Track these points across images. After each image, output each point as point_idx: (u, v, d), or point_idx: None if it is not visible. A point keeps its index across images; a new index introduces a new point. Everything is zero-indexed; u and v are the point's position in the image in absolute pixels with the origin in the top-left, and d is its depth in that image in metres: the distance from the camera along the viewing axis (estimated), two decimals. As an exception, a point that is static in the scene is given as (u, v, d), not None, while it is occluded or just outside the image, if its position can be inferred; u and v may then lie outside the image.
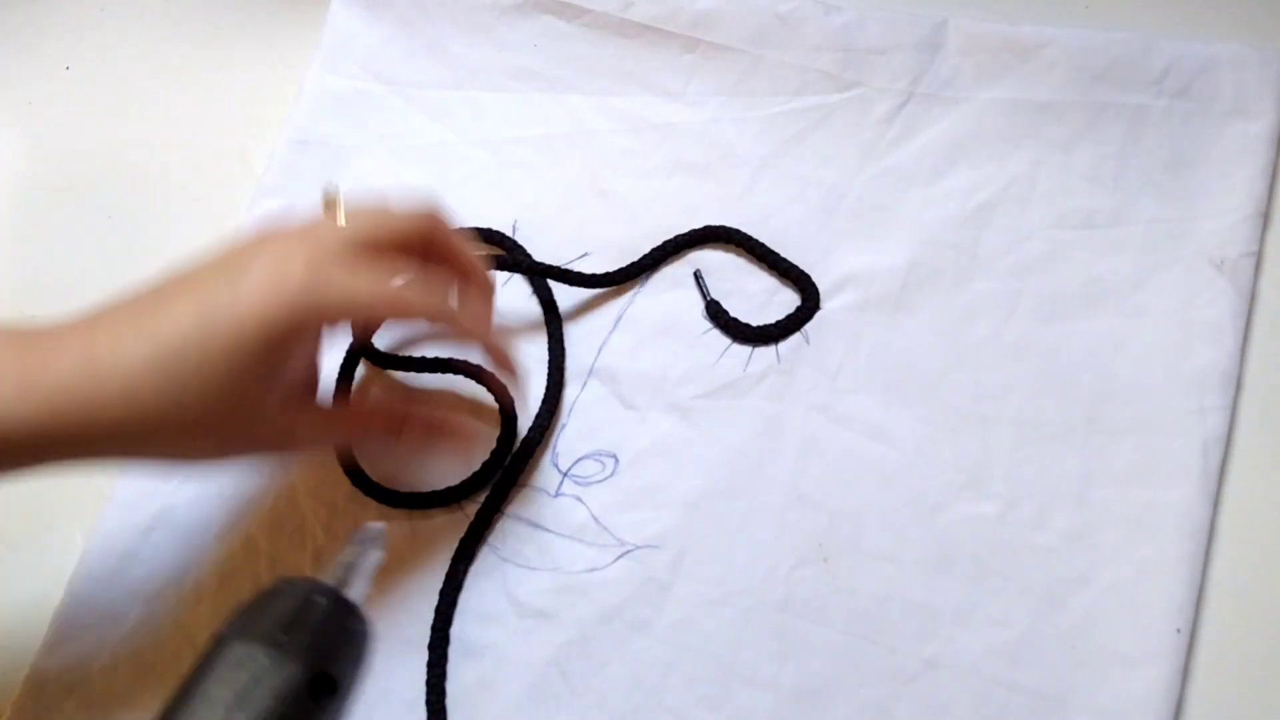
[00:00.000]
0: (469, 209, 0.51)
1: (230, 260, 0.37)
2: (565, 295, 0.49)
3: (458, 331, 0.43)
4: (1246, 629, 0.42)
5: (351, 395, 0.47)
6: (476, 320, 0.43)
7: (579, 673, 0.43)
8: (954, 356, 0.46)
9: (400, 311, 0.39)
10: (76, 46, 0.58)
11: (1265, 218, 0.47)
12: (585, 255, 0.50)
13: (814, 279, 0.48)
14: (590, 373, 0.48)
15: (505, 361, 0.44)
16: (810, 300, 0.47)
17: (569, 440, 0.47)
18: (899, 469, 0.45)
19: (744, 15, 0.52)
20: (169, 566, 0.47)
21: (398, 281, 0.38)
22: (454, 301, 0.42)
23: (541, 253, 0.50)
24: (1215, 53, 0.48)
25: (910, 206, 0.49)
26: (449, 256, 0.41)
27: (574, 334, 0.48)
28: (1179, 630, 0.41)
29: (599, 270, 0.49)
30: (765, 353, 0.47)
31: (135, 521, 0.47)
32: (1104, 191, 0.48)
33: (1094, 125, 0.48)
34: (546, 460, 0.47)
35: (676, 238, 0.49)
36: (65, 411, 0.34)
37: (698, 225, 0.49)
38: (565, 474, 0.46)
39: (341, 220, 0.39)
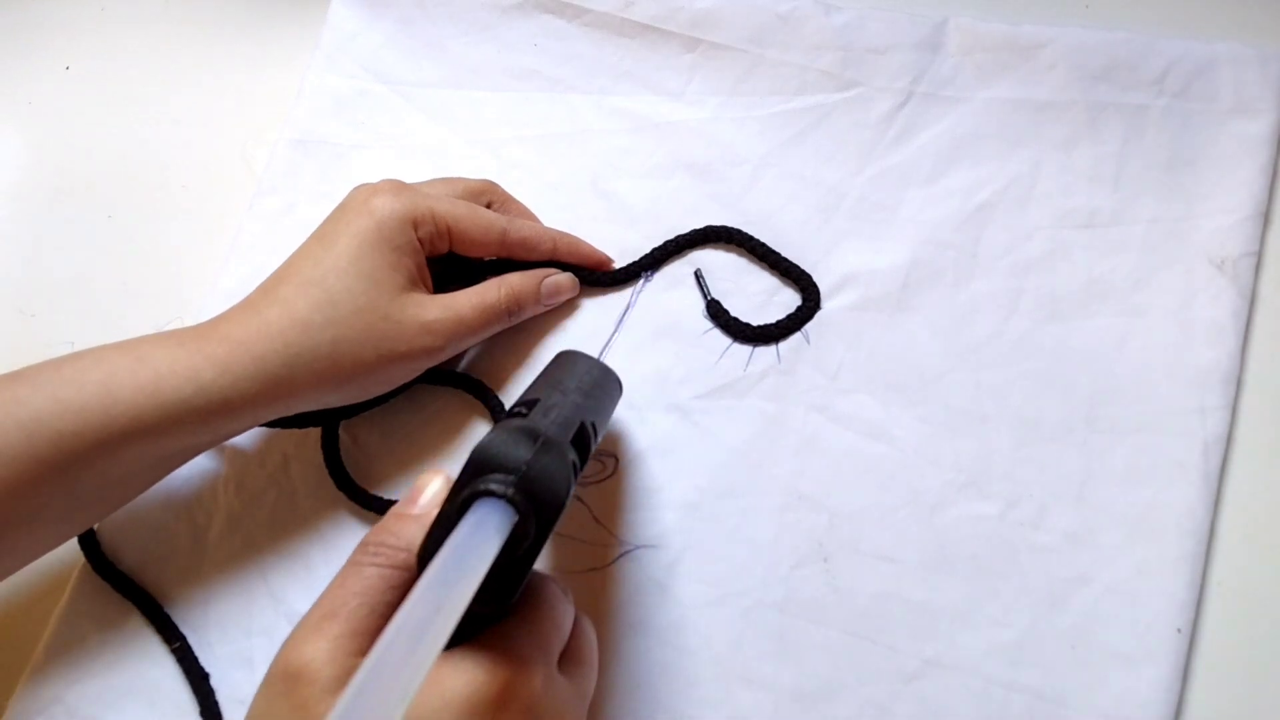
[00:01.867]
0: (469, 209, 0.51)
1: (336, 213, 0.43)
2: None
3: (531, 236, 0.47)
4: (1246, 629, 0.42)
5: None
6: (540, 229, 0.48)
7: (579, 673, 0.43)
8: (954, 356, 0.46)
9: (479, 219, 0.44)
10: (76, 46, 0.58)
11: (1265, 217, 0.47)
12: (585, 255, 0.50)
13: (814, 279, 0.48)
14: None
15: (580, 248, 0.48)
16: (811, 300, 0.47)
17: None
18: (899, 469, 0.45)
19: (744, 15, 0.52)
20: (170, 565, 0.47)
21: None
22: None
23: (541, 252, 0.50)
24: (1215, 53, 0.48)
25: (910, 206, 0.49)
26: (530, 247, 0.47)
27: (575, 334, 0.48)
28: (1179, 630, 0.41)
29: (599, 272, 0.49)
30: (765, 352, 0.47)
31: (137, 520, 0.47)
32: (1104, 191, 0.48)
33: (1094, 125, 0.48)
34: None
35: (677, 237, 0.49)
36: (241, 344, 0.40)
37: (698, 225, 0.49)
38: (565, 474, 0.46)
39: None
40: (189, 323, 0.51)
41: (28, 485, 0.38)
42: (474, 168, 0.52)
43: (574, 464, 0.34)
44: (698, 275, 0.49)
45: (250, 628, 0.46)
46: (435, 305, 0.43)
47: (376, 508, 0.46)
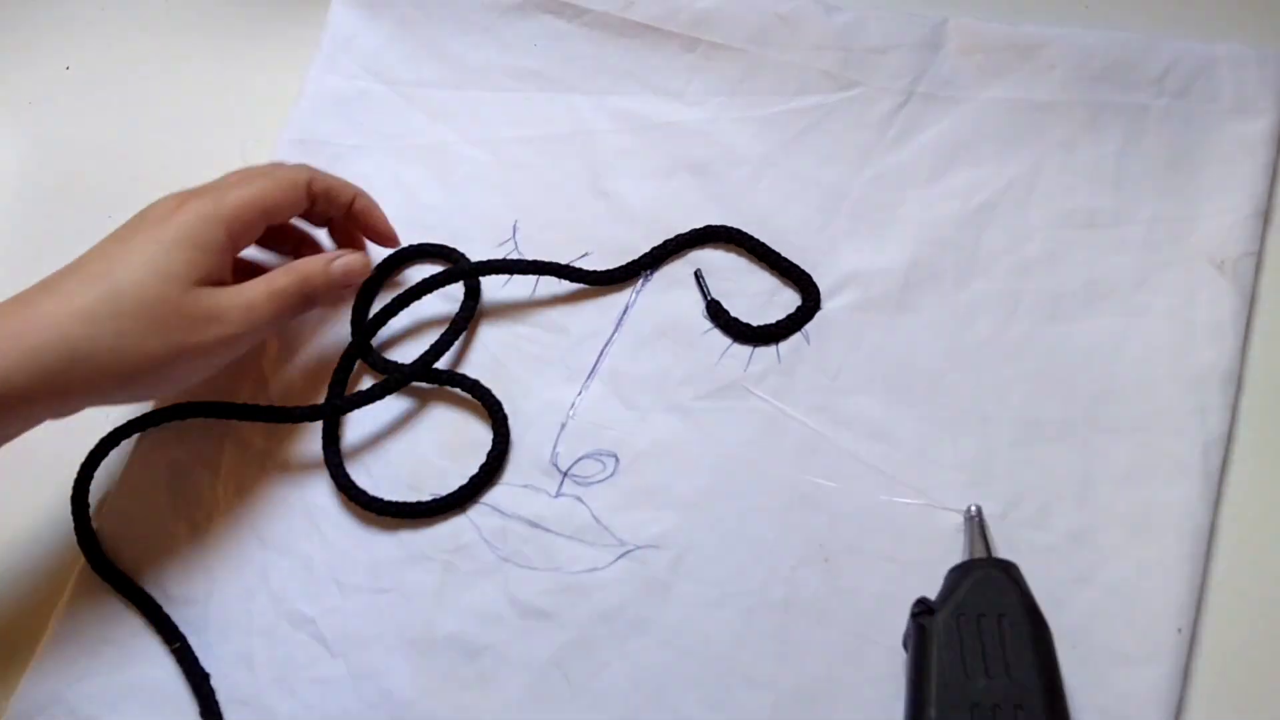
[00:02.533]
0: (469, 209, 0.51)
1: (134, 219, 0.43)
2: (564, 296, 0.49)
3: (335, 185, 0.47)
4: (1247, 629, 0.42)
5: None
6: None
7: (579, 673, 0.43)
8: (954, 356, 0.46)
9: (281, 180, 0.45)
10: (76, 46, 0.58)
11: (1265, 217, 0.47)
12: (585, 255, 0.50)
13: (814, 279, 0.48)
14: (591, 373, 0.48)
15: (373, 214, 0.49)
16: (811, 300, 0.47)
17: (569, 440, 0.47)
18: (900, 469, 0.45)
19: (744, 15, 0.52)
20: (171, 562, 0.46)
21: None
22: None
23: (541, 253, 0.50)
24: (1215, 53, 0.48)
25: (910, 206, 0.49)
26: (331, 196, 0.47)
27: (575, 334, 0.48)
28: (1179, 630, 0.41)
29: (599, 269, 0.49)
30: (766, 353, 0.47)
31: (136, 517, 0.47)
32: (1104, 191, 0.48)
33: (1094, 125, 0.48)
34: (547, 460, 0.47)
35: (677, 237, 0.49)
36: (19, 338, 0.38)
37: (698, 225, 0.49)
38: (565, 474, 0.46)
39: None
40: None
41: None
42: (474, 168, 0.52)
43: None
44: (698, 275, 0.49)
45: (250, 628, 0.45)
46: (225, 295, 0.42)
47: (376, 508, 0.46)
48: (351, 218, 0.48)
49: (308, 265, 0.46)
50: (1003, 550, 0.42)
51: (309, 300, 0.46)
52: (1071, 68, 0.49)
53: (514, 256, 0.50)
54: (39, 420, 0.41)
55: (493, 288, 0.50)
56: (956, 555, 0.43)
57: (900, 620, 0.41)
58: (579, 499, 0.46)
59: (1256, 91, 0.48)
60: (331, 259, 0.47)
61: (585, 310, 0.49)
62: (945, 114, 0.50)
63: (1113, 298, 0.46)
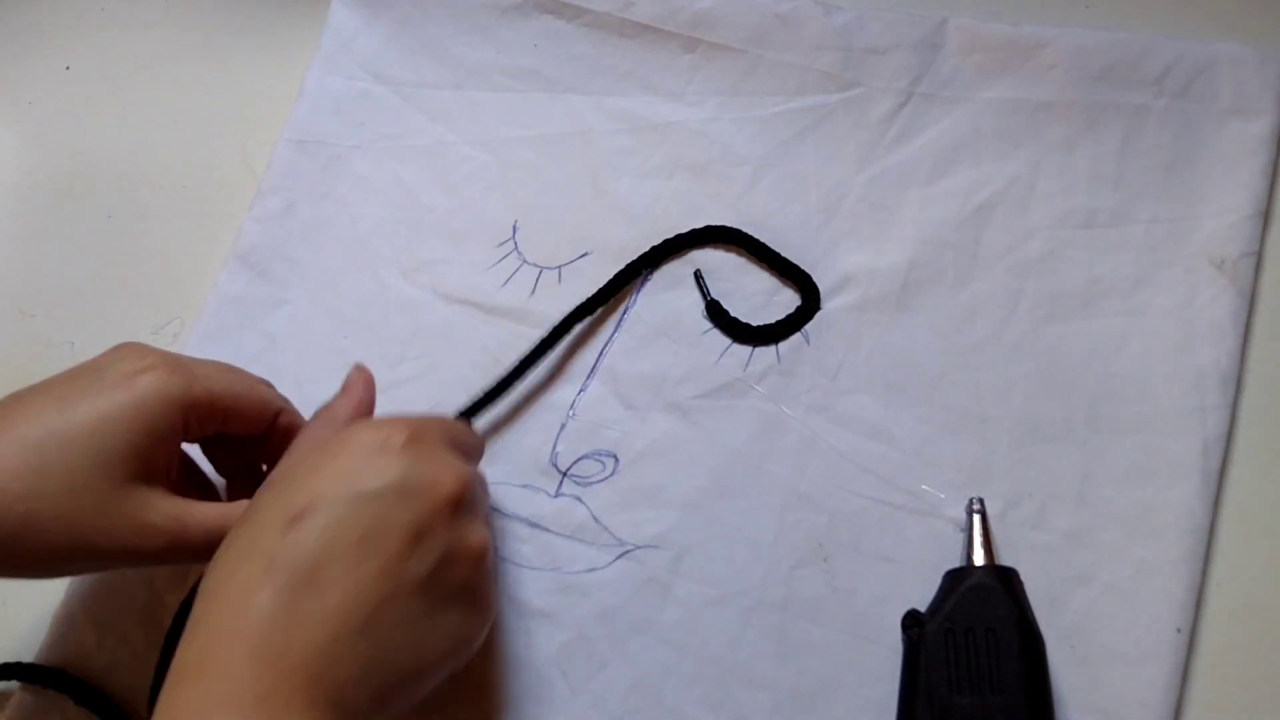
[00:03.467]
0: (469, 209, 0.51)
1: (91, 363, 0.38)
2: (566, 296, 0.49)
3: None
4: (1246, 629, 0.42)
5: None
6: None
7: (579, 673, 0.43)
8: (954, 356, 0.46)
9: (256, 397, 0.41)
10: (76, 46, 0.58)
11: (1265, 217, 0.47)
12: (585, 255, 0.50)
13: (814, 279, 0.48)
14: (591, 373, 0.48)
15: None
16: (810, 300, 0.47)
17: (569, 440, 0.47)
18: (899, 469, 0.45)
19: (744, 15, 0.52)
20: (169, 567, 0.46)
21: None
22: None
23: (541, 253, 0.50)
24: (1215, 53, 0.48)
25: (910, 206, 0.49)
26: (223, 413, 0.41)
27: (575, 334, 0.48)
28: (1179, 630, 0.41)
29: (599, 270, 0.49)
30: (765, 352, 0.47)
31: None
32: (1104, 191, 0.48)
33: (1094, 125, 0.48)
34: (546, 460, 0.47)
35: (676, 237, 0.49)
36: None
37: (698, 225, 0.49)
38: (565, 474, 0.46)
39: None
40: (188, 323, 0.51)
41: None
42: (474, 168, 0.52)
43: None
44: (698, 275, 0.49)
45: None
46: (162, 509, 0.37)
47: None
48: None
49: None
50: (1002, 549, 0.42)
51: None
52: (1071, 68, 0.49)
53: (513, 256, 0.50)
54: None
55: (492, 288, 0.50)
56: (956, 556, 0.43)
57: (900, 621, 0.41)
58: (578, 499, 0.46)
59: (1256, 91, 0.48)
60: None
61: (586, 311, 0.49)
62: (945, 114, 0.50)
63: (1113, 298, 0.46)
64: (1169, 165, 0.48)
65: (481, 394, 0.46)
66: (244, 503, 0.37)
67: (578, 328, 0.48)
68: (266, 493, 0.36)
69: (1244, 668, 0.42)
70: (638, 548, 0.45)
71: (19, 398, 0.38)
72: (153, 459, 0.37)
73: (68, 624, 0.46)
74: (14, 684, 0.45)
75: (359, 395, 0.41)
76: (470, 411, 0.45)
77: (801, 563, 0.44)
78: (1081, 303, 0.46)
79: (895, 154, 0.49)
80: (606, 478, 0.46)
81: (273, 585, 0.33)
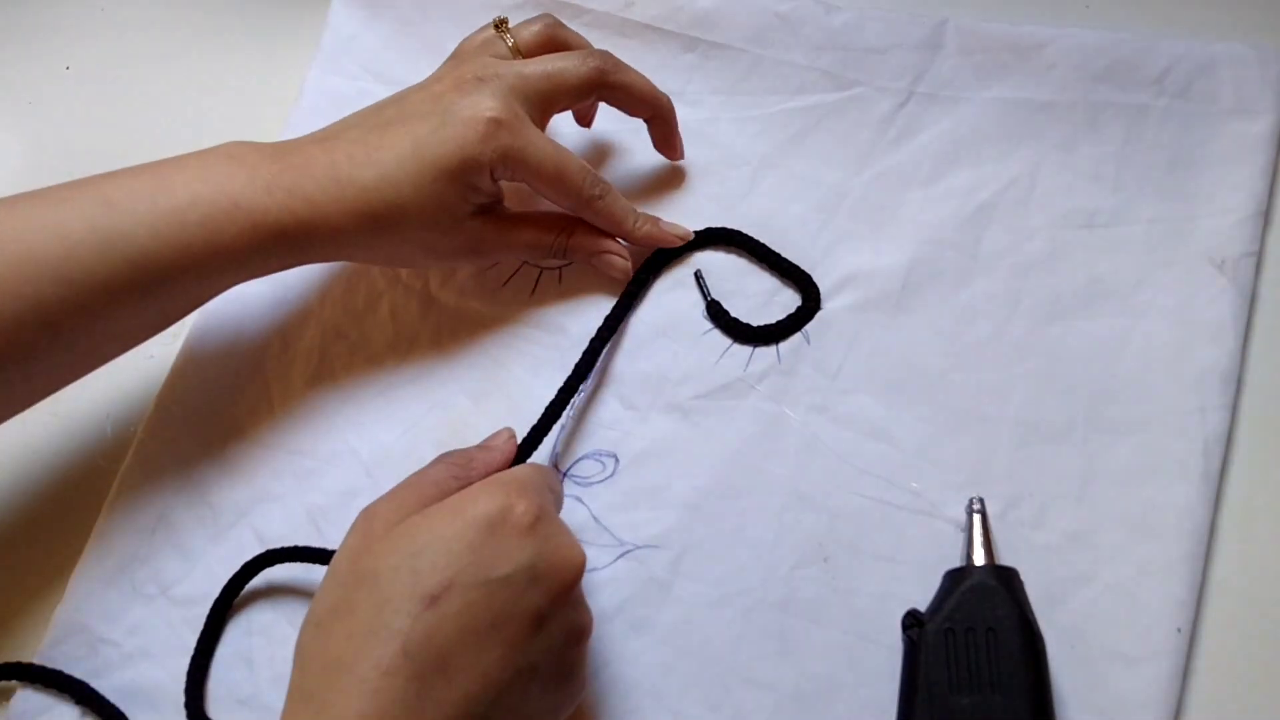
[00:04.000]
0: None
1: (437, 102, 0.44)
2: (566, 296, 0.49)
3: (607, 224, 0.47)
4: (1247, 629, 0.42)
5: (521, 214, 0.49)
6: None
7: (579, 673, 0.43)
8: (954, 356, 0.46)
9: (567, 181, 0.45)
10: (76, 46, 0.58)
11: (1266, 217, 0.47)
12: (585, 255, 0.50)
13: (814, 279, 0.48)
14: (591, 373, 0.48)
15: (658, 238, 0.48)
16: (811, 300, 0.47)
17: (569, 440, 0.47)
18: (899, 469, 0.45)
19: (744, 15, 0.52)
20: (168, 567, 0.47)
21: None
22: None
23: (541, 253, 0.50)
24: (1215, 53, 0.48)
25: (910, 206, 0.49)
26: (625, 95, 0.47)
27: (575, 334, 0.48)
28: (1179, 630, 0.41)
29: (599, 270, 0.49)
30: (766, 353, 0.47)
31: (136, 523, 0.47)
32: (1104, 191, 0.48)
33: (1094, 125, 0.48)
34: (546, 460, 0.47)
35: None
36: (322, 212, 0.42)
37: (698, 226, 0.49)
38: (565, 474, 0.46)
39: (509, 40, 0.47)
40: (188, 323, 0.51)
41: (122, 305, 0.41)
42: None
43: None
44: (698, 276, 0.49)
45: (250, 628, 0.45)
46: (491, 232, 0.46)
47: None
48: (634, 243, 0.48)
49: (583, 241, 0.47)
50: (1002, 549, 0.42)
51: (559, 261, 0.48)
52: (1071, 68, 0.49)
53: (514, 256, 0.50)
54: (314, 262, 0.46)
55: (493, 288, 0.50)
56: (956, 556, 0.43)
57: (900, 620, 0.41)
58: (579, 499, 0.46)
59: (1256, 91, 0.48)
60: (605, 248, 0.47)
61: (585, 310, 0.49)
62: (945, 114, 0.50)
63: (1113, 298, 0.46)
64: (1169, 165, 0.48)
65: (534, 429, 0.45)
66: (556, 222, 0.47)
67: (578, 329, 0.48)
68: (390, 553, 0.36)
69: (1244, 668, 0.42)
70: (638, 548, 0.45)
71: (385, 122, 0.44)
72: (478, 200, 0.44)
73: (68, 624, 0.46)
74: (14, 684, 0.45)
75: (496, 462, 0.42)
76: (529, 445, 0.44)
77: (801, 562, 0.44)
78: (1082, 303, 0.46)
79: (895, 154, 0.50)
80: (607, 478, 0.46)
81: (408, 671, 0.33)
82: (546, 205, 0.47)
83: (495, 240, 0.46)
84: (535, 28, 0.47)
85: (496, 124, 0.43)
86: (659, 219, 0.48)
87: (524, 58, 0.46)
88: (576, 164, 0.45)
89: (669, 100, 0.48)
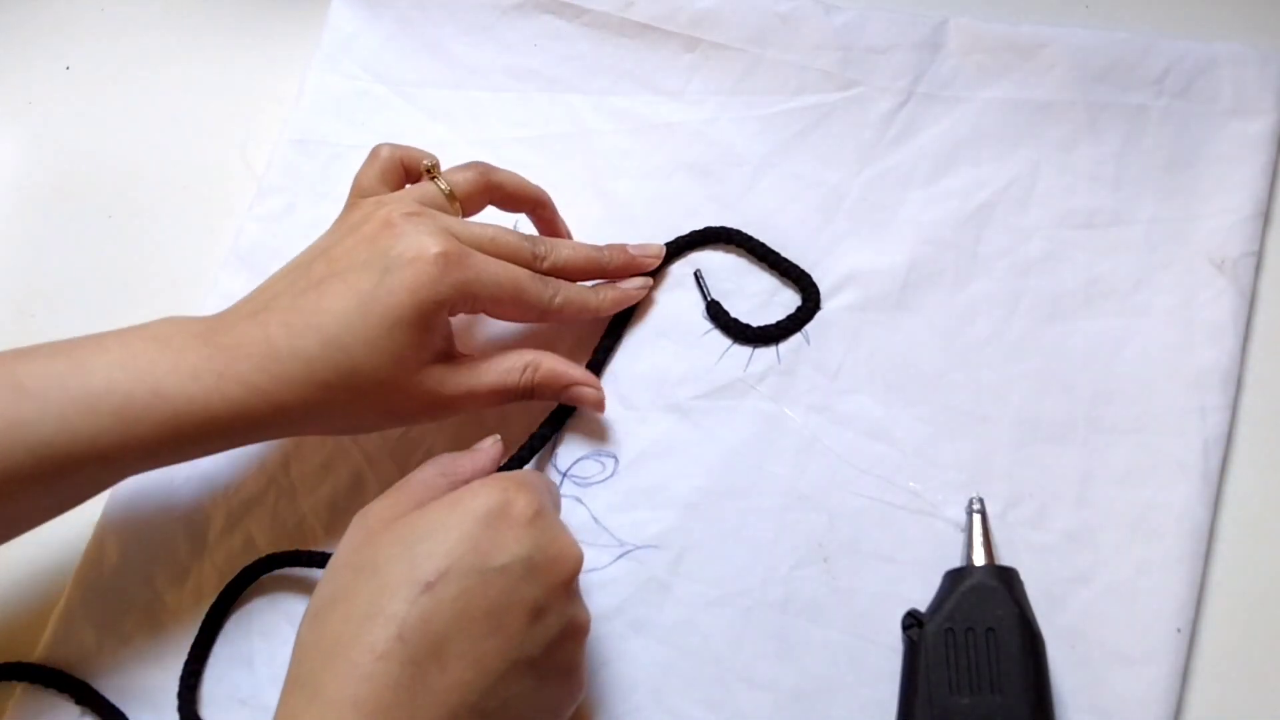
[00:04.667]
0: (469, 209, 0.51)
1: (376, 252, 0.41)
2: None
3: (569, 319, 0.46)
4: (1246, 629, 0.42)
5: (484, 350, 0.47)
6: (583, 303, 0.46)
7: (579, 673, 0.43)
8: (954, 356, 0.46)
9: (524, 298, 0.43)
10: (76, 46, 0.58)
11: (1265, 217, 0.47)
12: (585, 255, 0.50)
13: (814, 279, 0.48)
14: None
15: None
16: (810, 300, 0.47)
17: (569, 440, 0.47)
18: (899, 469, 0.45)
19: (744, 15, 0.52)
20: (168, 566, 0.47)
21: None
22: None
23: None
24: (1215, 53, 0.48)
25: (910, 206, 0.49)
26: (508, 192, 0.46)
27: (575, 334, 0.48)
28: (1179, 630, 0.41)
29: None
30: (765, 353, 0.47)
31: (136, 521, 0.47)
32: (1104, 191, 0.48)
33: (1094, 125, 0.48)
34: (546, 461, 0.47)
35: (677, 238, 0.49)
36: (260, 394, 0.39)
37: (698, 226, 0.49)
38: (565, 474, 0.46)
39: (444, 185, 0.44)
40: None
41: (19, 493, 0.38)
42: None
43: None
44: (698, 276, 0.49)
45: (250, 628, 0.45)
46: (452, 380, 0.42)
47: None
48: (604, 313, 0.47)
49: (550, 375, 0.44)
50: (1002, 549, 0.42)
51: (528, 400, 0.44)
52: (1071, 68, 0.49)
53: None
54: (258, 442, 0.43)
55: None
56: (956, 556, 0.43)
57: (899, 620, 0.41)
58: (578, 499, 0.46)
59: (1256, 91, 0.48)
60: (572, 381, 0.45)
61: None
62: (945, 114, 0.50)
63: (1113, 298, 0.46)
64: (1169, 165, 0.48)
65: (535, 436, 0.45)
66: (520, 359, 0.44)
67: (579, 330, 0.48)
68: (390, 544, 0.36)
69: (1244, 668, 0.42)
70: (638, 548, 0.45)
71: (317, 280, 0.41)
72: (435, 346, 0.41)
73: (68, 624, 0.46)
74: (14, 684, 0.45)
75: (484, 465, 0.41)
76: (532, 447, 0.45)
77: (801, 563, 0.44)
78: (1081, 303, 0.46)
79: (895, 154, 0.50)
80: (606, 478, 0.46)
81: (402, 656, 0.33)
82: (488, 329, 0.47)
83: (459, 390, 0.42)
84: (469, 174, 0.45)
85: (445, 258, 0.40)
86: (625, 247, 0.47)
87: (460, 201, 0.44)
88: (526, 274, 0.43)
89: (546, 192, 0.47)
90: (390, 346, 0.40)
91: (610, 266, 0.47)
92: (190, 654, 0.45)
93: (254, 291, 0.42)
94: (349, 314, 0.40)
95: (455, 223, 0.43)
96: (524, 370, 0.43)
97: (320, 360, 0.39)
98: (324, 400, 0.40)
